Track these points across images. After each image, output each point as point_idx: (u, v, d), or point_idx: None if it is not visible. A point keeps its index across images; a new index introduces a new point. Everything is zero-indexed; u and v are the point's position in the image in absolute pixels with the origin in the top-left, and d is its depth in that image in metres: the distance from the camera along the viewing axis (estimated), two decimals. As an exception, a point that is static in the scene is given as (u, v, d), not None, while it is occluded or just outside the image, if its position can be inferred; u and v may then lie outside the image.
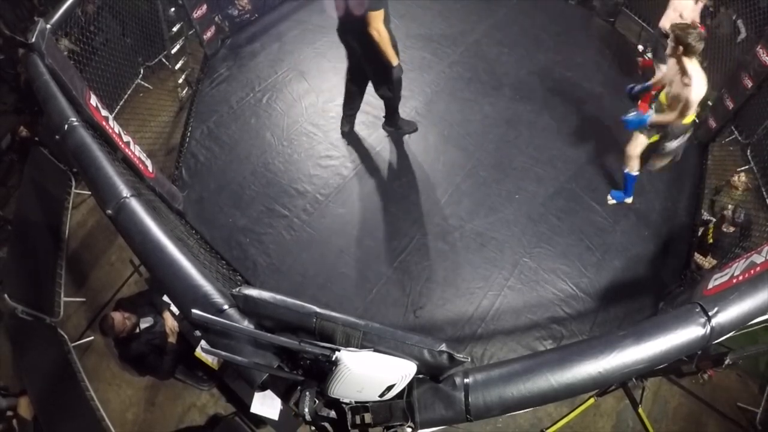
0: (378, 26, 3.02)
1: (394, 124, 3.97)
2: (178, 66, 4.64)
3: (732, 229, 3.52)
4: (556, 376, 1.24)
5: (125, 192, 1.83)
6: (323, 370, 1.18)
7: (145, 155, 3.21)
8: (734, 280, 2.44)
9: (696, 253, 3.66)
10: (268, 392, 1.35)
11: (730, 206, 3.68)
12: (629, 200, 3.85)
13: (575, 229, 3.68)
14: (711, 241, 3.65)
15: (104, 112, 2.86)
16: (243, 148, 4.03)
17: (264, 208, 3.69)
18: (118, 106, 4.41)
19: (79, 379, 3.21)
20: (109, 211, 1.80)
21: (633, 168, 3.60)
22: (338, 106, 4.06)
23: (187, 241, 3.36)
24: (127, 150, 2.94)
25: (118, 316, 2.92)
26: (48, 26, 2.65)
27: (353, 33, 3.23)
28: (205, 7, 4.37)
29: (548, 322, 3.30)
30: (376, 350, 1.22)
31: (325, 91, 4.39)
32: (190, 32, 4.64)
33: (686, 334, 1.28)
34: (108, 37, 4.50)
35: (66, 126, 2.18)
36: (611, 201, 3.86)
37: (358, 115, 4.06)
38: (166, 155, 4.38)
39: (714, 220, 3.87)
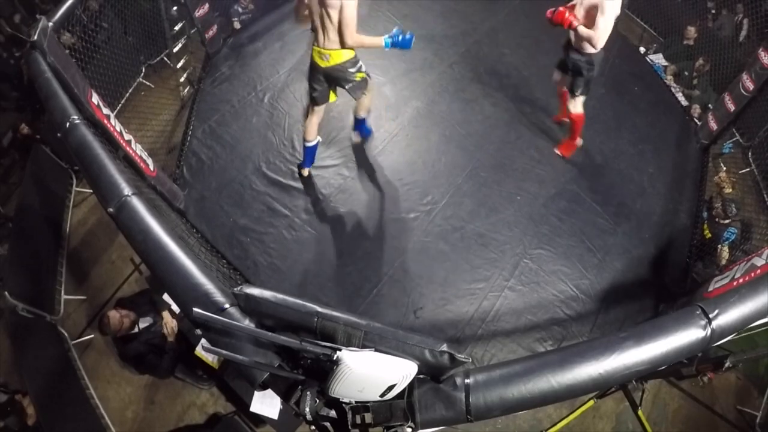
0: None
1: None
2: (179, 65, 4.64)
3: (727, 221, 3.59)
4: (556, 377, 1.24)
5: (126, 190, 1.83)
6: (324, 370, 1.18)
7: (146, 154, 3.22)
8: (735, 283, 2.46)
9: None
10: (268, 391, 1.36)
11: (717, 204, 3.76)
12: None
13: (576, 230, 3.68)
14: (710, 236, 3.69)
15: (106, 111, 2.86)
16: (244, 147, 4.03)
17: (265, 207, 3.69)
18: (120, 105, 4.40)
19: (79, 377, 3.22)
20: (111, 210, 1.79)
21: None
22: (339, 107, 4.06)
23: (188, 240, 3.37)
24: (128, 148, 2.95)
25: (114, 315, 2.92)
26: (50, 24, 2.65)
27: None
28: (207, 6, 4.37)
29: (549, 324, 3.30)
30: (377, 350, 1.22)
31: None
32: (192, 31, 4.64)
33: (687, 336, 1.28)
34: (110, 35, 4.50)
35: (67, 124, 2.18)
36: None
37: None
38: (168, 154, 4.37)
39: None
